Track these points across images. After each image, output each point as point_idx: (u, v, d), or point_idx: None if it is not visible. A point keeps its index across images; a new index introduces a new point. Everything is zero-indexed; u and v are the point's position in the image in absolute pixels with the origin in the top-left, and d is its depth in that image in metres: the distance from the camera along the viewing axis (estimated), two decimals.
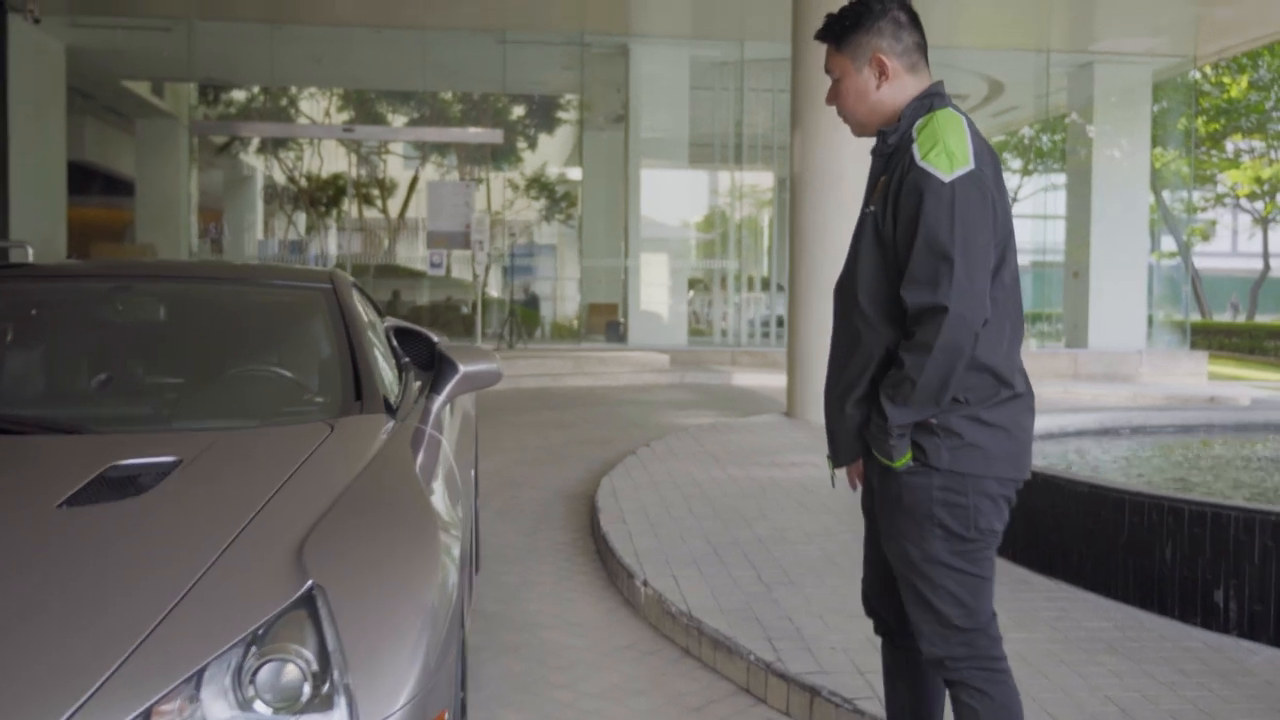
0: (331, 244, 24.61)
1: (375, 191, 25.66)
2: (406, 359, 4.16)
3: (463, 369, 3.37)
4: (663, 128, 17.46)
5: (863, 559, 2.70)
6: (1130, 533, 4.50)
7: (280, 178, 24.80)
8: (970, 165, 2.29)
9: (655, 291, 17.22)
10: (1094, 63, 16.83)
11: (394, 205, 25.69)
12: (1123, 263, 16.87)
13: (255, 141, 22.89)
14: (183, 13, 15.17)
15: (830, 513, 5.83)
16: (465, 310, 18.49)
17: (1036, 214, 19.70)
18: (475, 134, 19.35)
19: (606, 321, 17.39)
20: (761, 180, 20.30)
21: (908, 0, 2.50)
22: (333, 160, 21.67)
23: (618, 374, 13.88)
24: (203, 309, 3.53)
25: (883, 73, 2.44)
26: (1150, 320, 17.68)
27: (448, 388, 3.35)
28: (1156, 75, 17.47)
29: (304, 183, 24.34)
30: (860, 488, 2.63)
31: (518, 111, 22.44)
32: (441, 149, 22.71)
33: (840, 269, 2.54)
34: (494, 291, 19.69)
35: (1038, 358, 16.40)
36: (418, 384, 3.53)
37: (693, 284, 19.86)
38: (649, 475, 6.72)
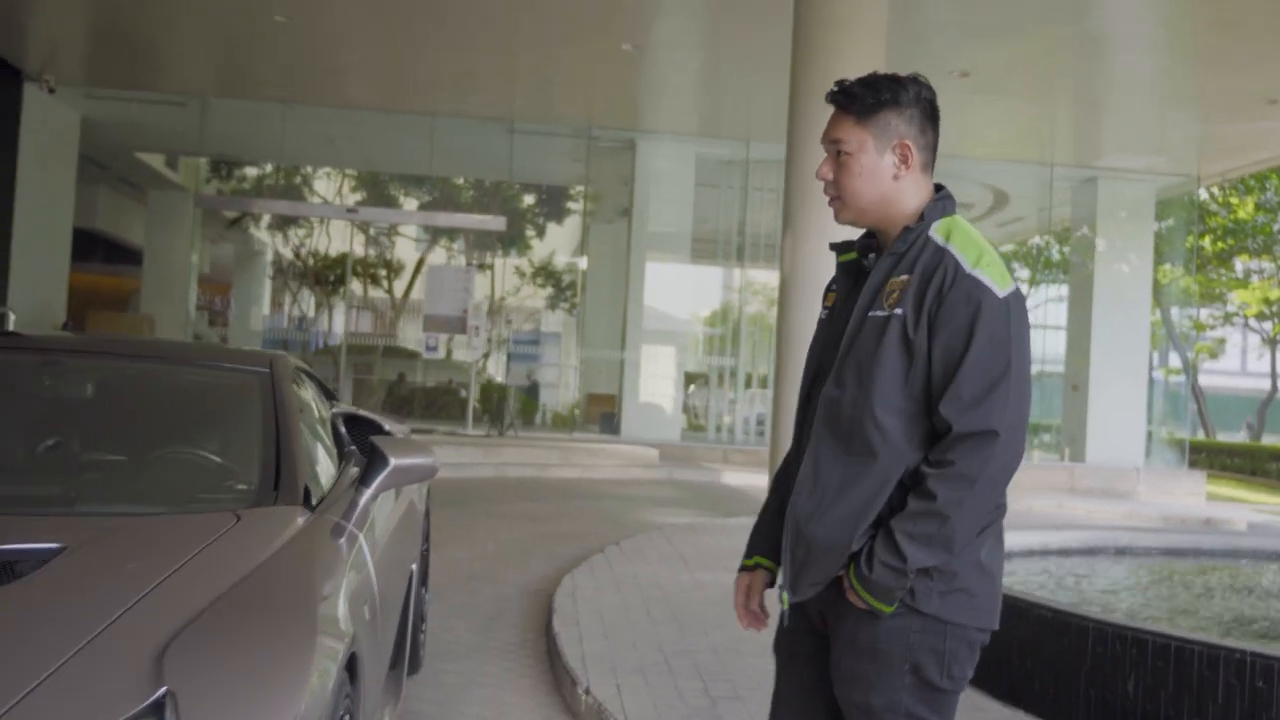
0: (338, 322, 24.70)
1: (382, 272, 25.86)
2: (352, 448, 4.07)
3: (393, 462, 3.26)
4: (667, 222, 17.53)
5: (773, 706, 2.38)
6: (1093, 662, 4.33)
7: (288, 254, 25.02)
8: (1014, 283, 2.15)
9: (652, 384, 17.14)
10: (1098, 178, 16.92)
11: (399, 287, 25.85)
12: (1123, 377, 16.76)
13: (265, 218, 23.12)
14: (198, 89, 15.37)
15: None
16: (463, 394, 18.43)
17: (1037, 324, 19.67)
18: (479, 220, 19.48)
19: (602, 412, 17.29)
20: (762, 278, 20.34)
21: (933, 90, 2.32)
22: (341, 239, 21.86)
23: (605, 467, 13.73)
24: (133, 388, 3.46)
25: (905, 162, 2.23)
26: (1150, 436, 17.51)
27: (376, 481, 3.24)
28: (1160, 192, 17.55)
29: (311, 261, 24.53)
30: (780, 622, 2.33)
31: (526, 200, 22.65)
32: (449, 234, 22.92)
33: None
34: (492, 377, 19.63)
35: (1034, 470, 16.22)
36: (356, 473, 3.43)
37: (691, 379, 19.79)
38: (613, 575, 6.56)
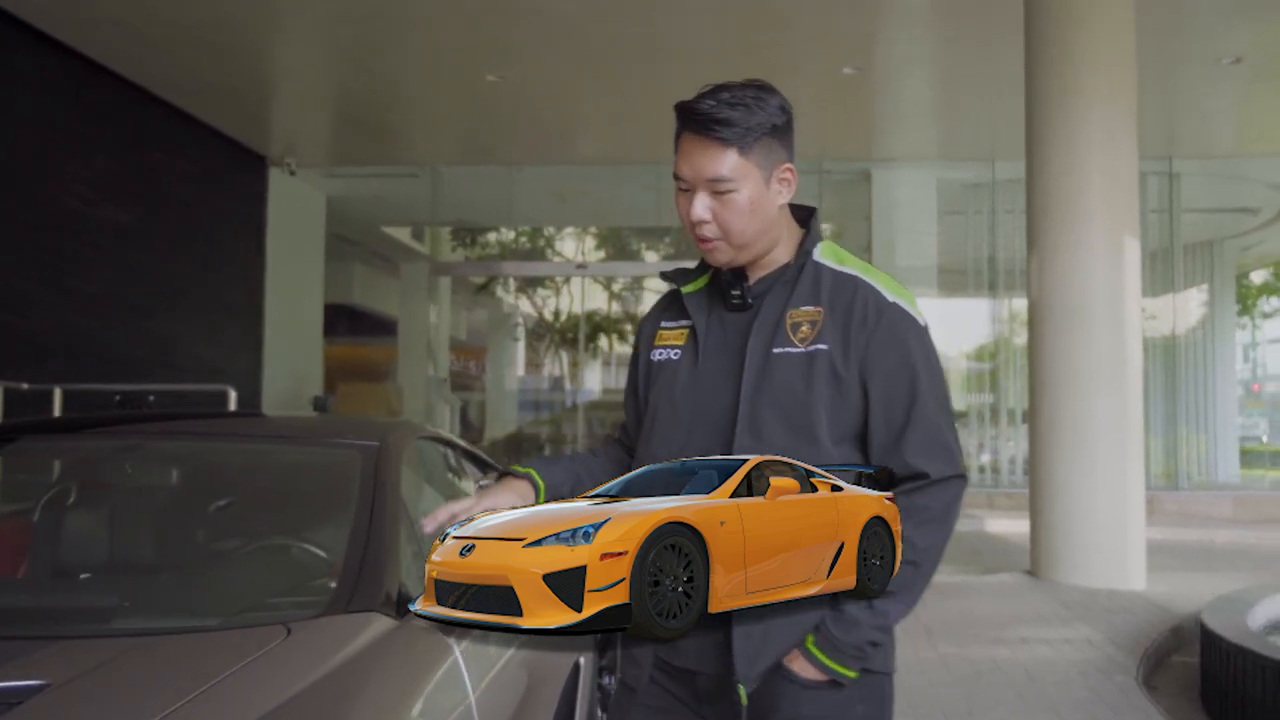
0: (591, 380, 24.84)
1: (629, 327, 25.85)
2: None
3: None
4: (910, 254, 16.56)
5: None
6: None
7: (534, 315, 25.41)
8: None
9: None
10: None
11: None
12: None
13: (512, 282, 23.56)
14: (428, 159, 15.67)
15: (1056, 713, 4.74)
16: None
17: None
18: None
19: None
20: (1019, 308, 18.95)
21: None
22: (585, 297, 21.92)
23: None
24: (213, 473, 3.04)
25: (789, 188, 1.99)
26: None
27: None
28: None
29: (557, 319, 24.80)
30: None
31: None
32: None
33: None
34: None
35: None
36: None
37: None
38: None
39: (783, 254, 2.04)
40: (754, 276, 2.04)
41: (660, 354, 2.09)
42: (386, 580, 2.52)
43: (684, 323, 2.08)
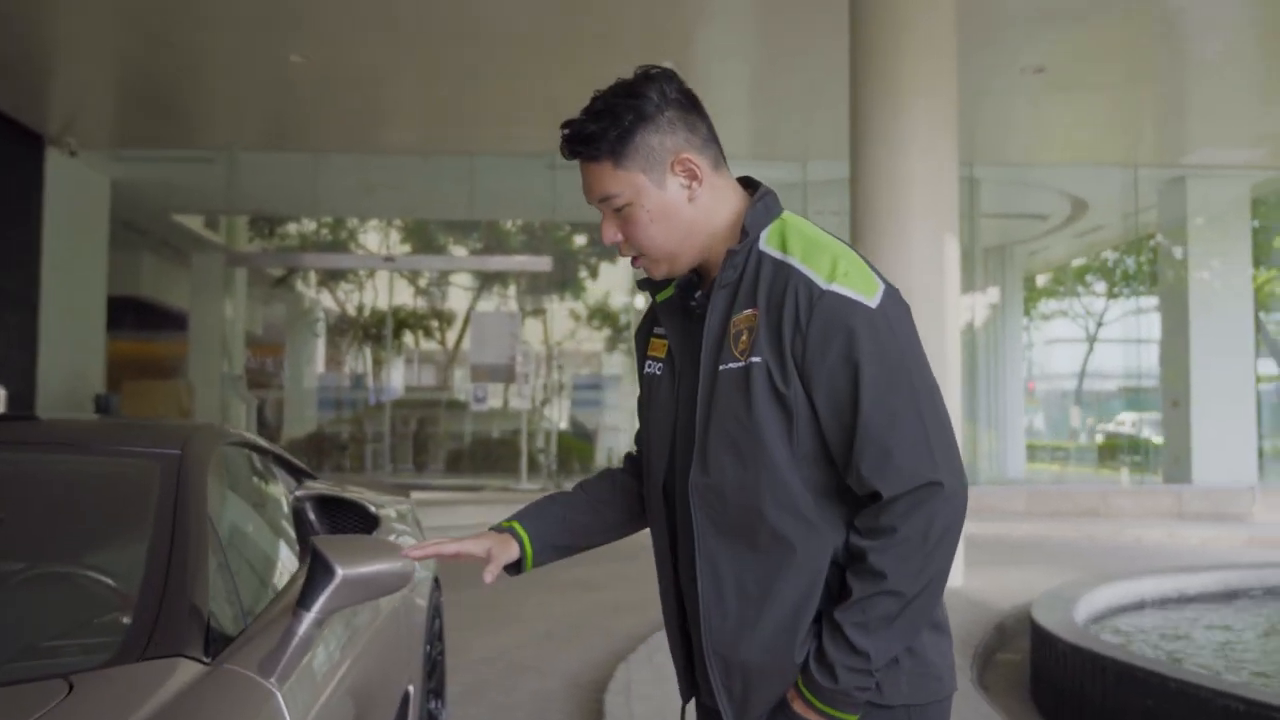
0: (394, 377, 24.10)
1: (434, 323, 25.22)
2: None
3: (340, 574, 2.29)
4: None
5: None
6: None
7: (338, 311, 24.50)
8: (882, 281, 1.69)
9: None
10: (1187, 177, 15.67)
11: (451, 337, 25.18)
12: (1228, 390, 15.42)
13: (313, 276, 22.62)
14: (225, 143, 14.75)
15: None
16: (517, 446, 17.61)
17: (1129, 339, 18.45)
18: (522, 261, 18.68)
19: None
20: None
21: (678, 76, 1.79)
22: (390, 292, 21.22)
23: None
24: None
25: (693, 178, 1.75)
26: (1260, 453, 16.15)
27: (318, 602, 2.28)
28: (1255, 189, 16.25)
29: (361, 314, 23.97)
30: None
31: (576, 241, 21.84)
32: (500, 280, 22.16)
33: None
34: (547, 426, 18.76)
35: (1136, 495, 15.00)
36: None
37: None
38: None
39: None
40: (708, 278, 1.83)
41: (650, 366, 1.91)
42: (194, 615, 2.12)
43: (663, 333, 1.90)
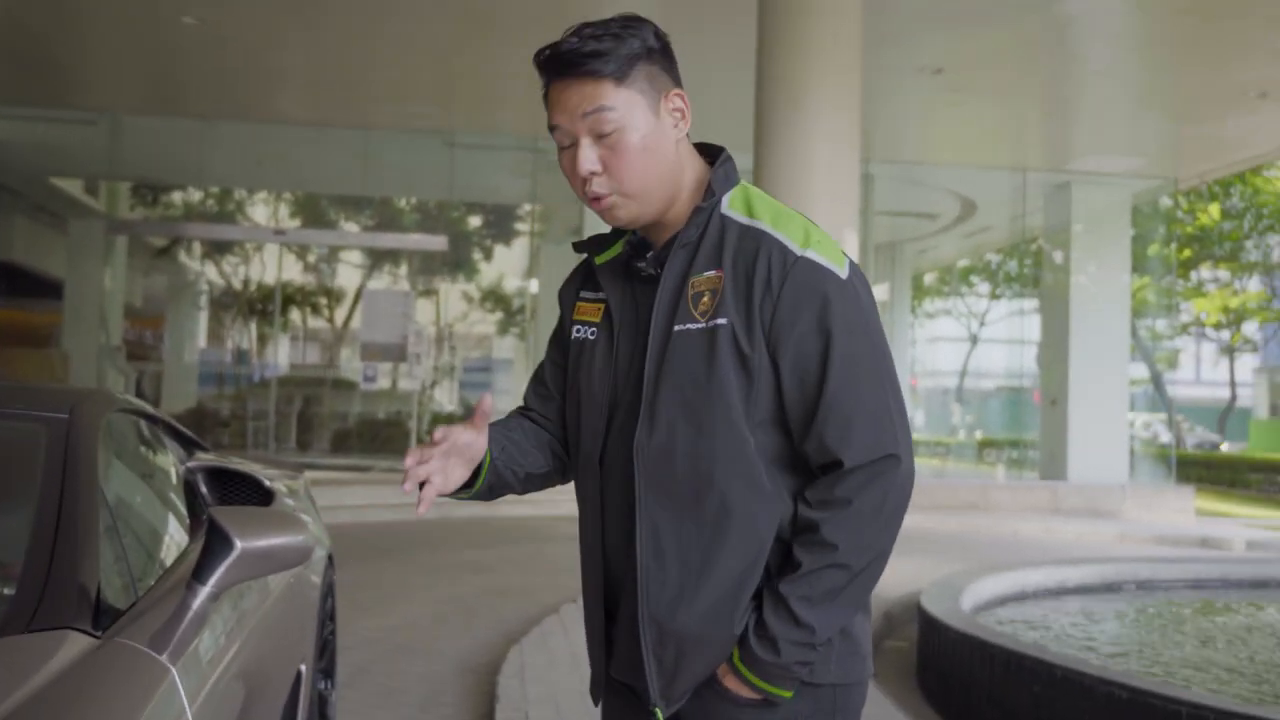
0: (280, 354, 23.55)
1: (323, 300, 24.73)
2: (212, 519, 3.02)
3: (240, 546, 2.19)
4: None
5: None
6: None
7: (224, 284, 23.85)
8: (848, 256, 1.70)
9: None
10: (1072, 182, 16.14)
11: (340, 315, 24.72)
12: (1102, 390, 15.95)
13: (198, 246, 21.96)
14: (109, 105, 14.19)
15: None
16: (407, 427, 17.35)
17: (1012, 339, 18.97)
18: (417, 240, 18.37)
19: None
20: None
21: None
22: (279, 267, 20.69)
23: (559, 502, 12.67)
24: None
25: (683, 118, 1.71)
26: (1133, 451, 16.76)
27: (215, 576, 2.18)
28: (1136, 198, 16.83)
29: (248, 289, 23.37)
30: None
31: (471, 222, 21.60)
32: (392, 258, 21.82)
33: None
34: (438, 407, 18.54)
35: (1014, 490, 15.43)
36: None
37: None
38: (569, 645, 5.50)
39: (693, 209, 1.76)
40: (661, 239, 1.76)
41: (580, 330, 1.84)
42: (83, 586, 2.01)
43: (601, 295, 1.82)
